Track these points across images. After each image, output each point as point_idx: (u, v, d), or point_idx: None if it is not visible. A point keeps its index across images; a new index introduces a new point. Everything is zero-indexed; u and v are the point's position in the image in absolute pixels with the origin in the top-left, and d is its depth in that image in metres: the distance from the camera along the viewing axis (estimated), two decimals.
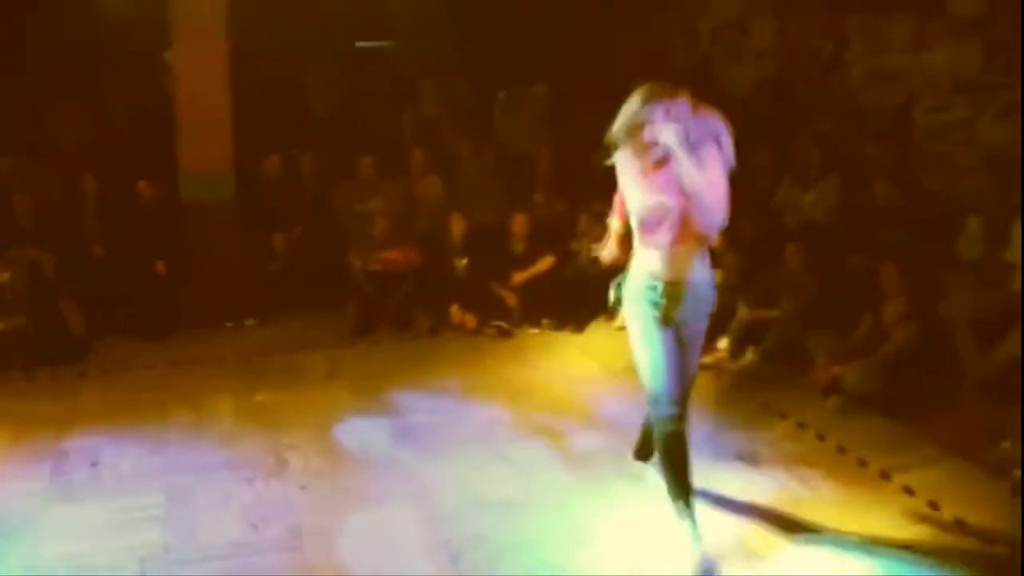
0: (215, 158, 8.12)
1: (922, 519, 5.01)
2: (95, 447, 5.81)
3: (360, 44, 11.29)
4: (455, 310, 8.25)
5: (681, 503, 4.47)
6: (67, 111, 9.46)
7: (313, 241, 8.84)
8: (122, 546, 4.68)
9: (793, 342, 7.17)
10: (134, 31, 9.48)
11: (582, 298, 8.36)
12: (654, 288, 4.43)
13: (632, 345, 4.55)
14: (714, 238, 4.62)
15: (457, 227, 8.53)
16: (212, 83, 8.03)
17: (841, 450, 5.84)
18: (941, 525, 4.95)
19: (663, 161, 4.37)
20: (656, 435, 4.56)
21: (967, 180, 7.46)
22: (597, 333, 8.20)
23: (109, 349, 7.67)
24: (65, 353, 7.39)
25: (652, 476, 5.06)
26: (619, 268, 4.75)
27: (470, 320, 8.23)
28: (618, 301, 4.70)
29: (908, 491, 5.28)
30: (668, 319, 4.44)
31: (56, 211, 8.47)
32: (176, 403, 6.57)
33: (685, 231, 4.41)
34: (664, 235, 4.38)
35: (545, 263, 8.47)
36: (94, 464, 5.59)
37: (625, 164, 4.44)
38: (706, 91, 10.42)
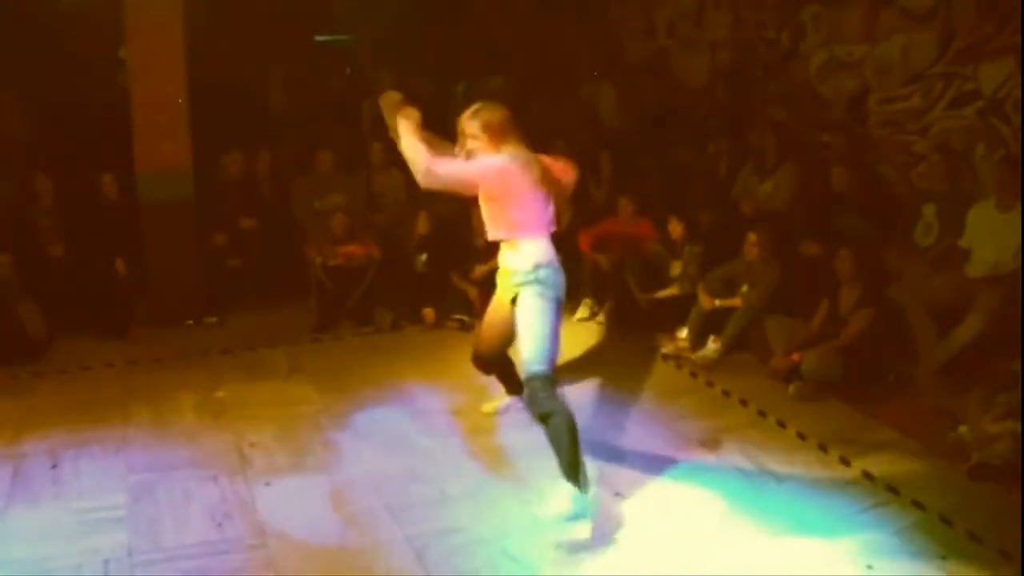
0: (173, 155, 8.03)
1: (881, 503, 5.08)
2: (55, 448, 5.75)
3: (319, 38, 11.25)
4: (428, 312, 8.23)
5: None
6: (17, 108, 9.33)
7: (273, 237, 8.79)
8: (86, 548, 4.64)
9: (754, 330, 7.23)
10: (87, 26, 9.38)
11: None
12: None
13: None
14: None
15: (422, 226, 8.51)
16: (168, 79, 7.93)
17: (802, 436, 5.91)
18: (900, 509, 5.02)
19: None
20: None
21: (921, 168, 7.55)
22: None
23: (67, 348, 7.59)
24: (22, 353, 7.31)
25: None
26: None
27: (430, 314, 8.22)
28: None
29: (868, 476, 5.36)
30: None
31: (10, 210, 8.37)
32: (136, 402, 6.52)
33: None
34: None
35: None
36: (54, 465, 5.53)
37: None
38: (663, 82, 10.57)
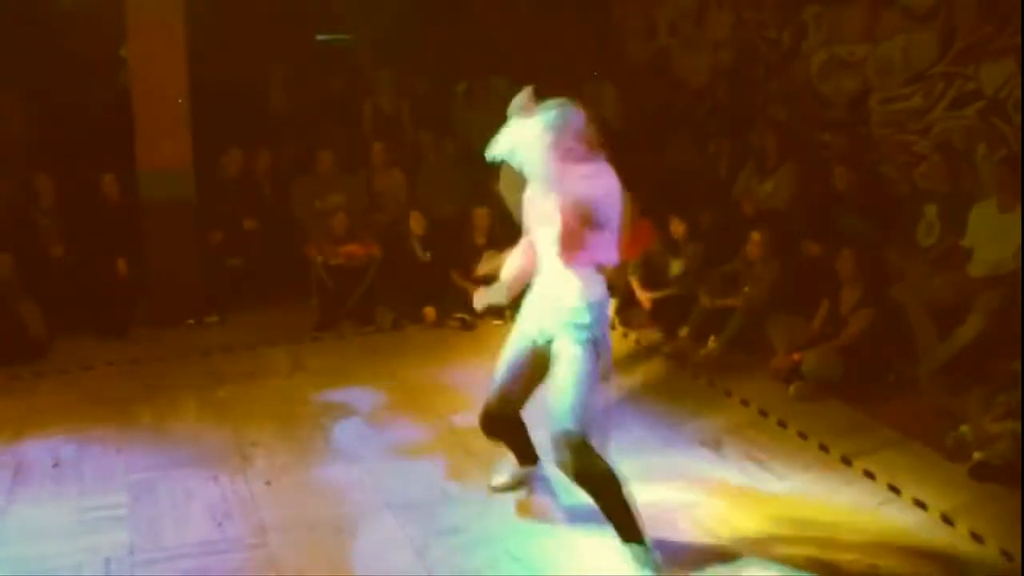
0: (174, 155, 8.03)
1: (883, 503, 5.08)
2: (56, 447, 5.75)
3: (320, 37, 11.24)
4: (428, 311, 8.24)
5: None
6: (18, 108, 9.32)
7: (274, 236, 8.78)
8: (87, 547, 4.64)
9: (754, 330, 7.23)
10: (88, 26, 9.37)
11: None
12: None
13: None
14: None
15: (416, 224, 8.49)
16: (170, 79, 7.93)
17: (803, 436, 5.91)
18: (902, 509, 5.02)
19: None
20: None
21: (922, 168, 7.55)
22: None
23: (68, 348, 7.59)
24: (23, 353, 7.30)
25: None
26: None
27: (431, 312, 8.22)
28: None
29: (869, 475, 5.36)
30: None
31: (11, 210, 8.37)
32: (137, 401, 6.52)
33: None
34: None
35: (507, 255, 8.45)
36: (56, 464, 5.54)
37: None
38: (664, 82, 10.55)
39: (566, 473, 4.31)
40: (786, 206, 8.15)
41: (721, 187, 8.76)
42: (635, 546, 4.32)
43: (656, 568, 4.29)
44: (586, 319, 4.27)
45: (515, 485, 5.15)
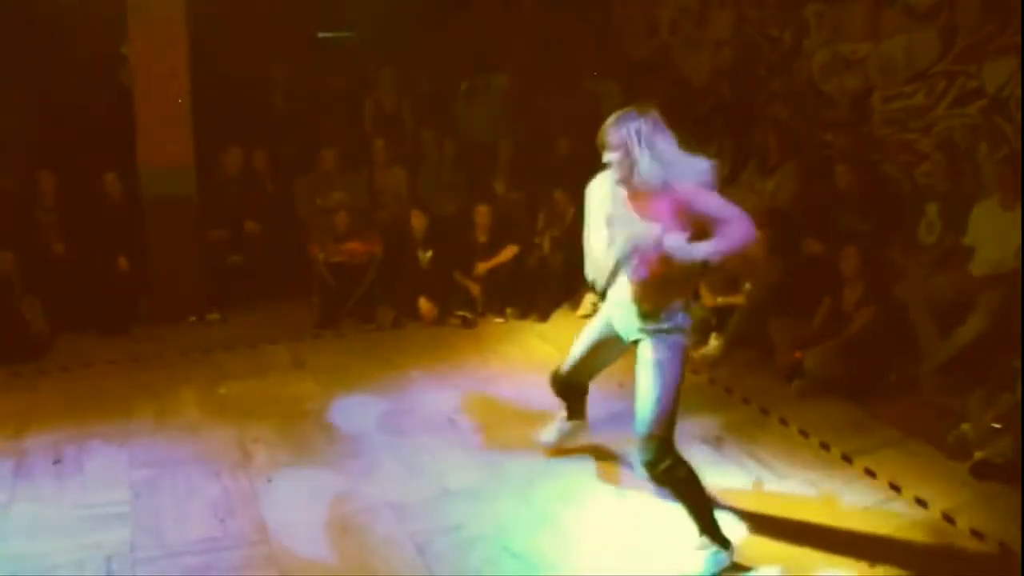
0: (175, 153, 8.02)
1: (884, 501, 5.08)
2: (57, 444, 5.75)
3: (321, 35, 11.23)
4: (423, 302, 8.23)
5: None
6: (20, 105, 9.31)
7: (275, 234, 8.78)
8: (88, 544, 4.64)
9: (756, 328, 7.22)
10: (90, 24, 9.36)
11: (545, 287, 8.40)
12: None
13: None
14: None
15: (418, 222, 8.49)
16: (171, 76, 7.91)
17: (804, 434, 5.91)
18: (903, 507, 5.02)
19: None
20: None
21: (924, 167, 7.55)
22: (561, 322, 8.22)
23: (70, 345, 7.58)
24: (24, 350, 7.30)
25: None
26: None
27: (426, 305, 8.21)
28: None
29: (869, 473, 5.36)
30: None
31: (13, 208, 8.37)
32: (139, 398, 6.51)
33: None
34: None
35: (508, 252, 8.47)
36: (57, 461, 5.53)
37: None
38: (665, 80, 10.53)
39: (650, 474, 4.43)
40: (788, 205, 8.14)
41: (723, 185, 8.74)
42: (714, 549, 4.45)
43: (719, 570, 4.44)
44: (670, 325, 4.38)
45: (562, 439, 5.56)
